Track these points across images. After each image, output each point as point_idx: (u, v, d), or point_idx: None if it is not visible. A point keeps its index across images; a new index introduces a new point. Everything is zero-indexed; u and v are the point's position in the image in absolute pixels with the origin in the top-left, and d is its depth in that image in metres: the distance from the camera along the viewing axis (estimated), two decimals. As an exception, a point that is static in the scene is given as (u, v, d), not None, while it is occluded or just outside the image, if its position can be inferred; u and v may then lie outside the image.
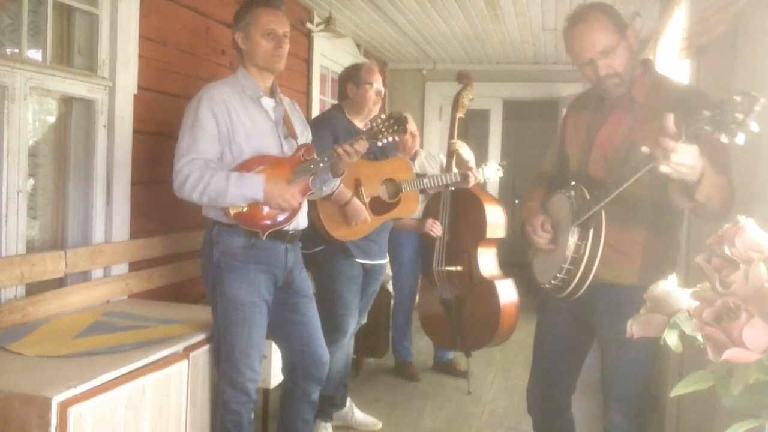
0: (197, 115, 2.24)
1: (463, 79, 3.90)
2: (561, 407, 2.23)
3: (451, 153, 3.83)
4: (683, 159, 1.54)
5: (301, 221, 2.45)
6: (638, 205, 1.92)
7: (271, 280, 2.34)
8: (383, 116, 2.46)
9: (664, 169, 1.55)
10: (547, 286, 2.02)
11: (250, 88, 2.35)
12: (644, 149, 1.61)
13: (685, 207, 1.80)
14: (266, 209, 2.26)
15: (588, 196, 1.88)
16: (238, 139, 2.27)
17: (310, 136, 2.59)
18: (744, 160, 1.89)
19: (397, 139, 2.51)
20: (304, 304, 2.47)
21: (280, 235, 2.33)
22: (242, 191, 2.19)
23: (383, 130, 2.42)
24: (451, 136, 3.89)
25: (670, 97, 1.89)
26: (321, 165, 2.35)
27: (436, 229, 3.81)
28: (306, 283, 2.52)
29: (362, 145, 2.39)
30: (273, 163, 2.29)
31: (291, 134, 2.41)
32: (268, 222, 2.27)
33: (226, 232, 2.28)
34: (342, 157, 2.37)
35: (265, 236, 2.26)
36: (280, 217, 2.29)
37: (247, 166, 2.26)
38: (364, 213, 2.98)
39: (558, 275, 1.94)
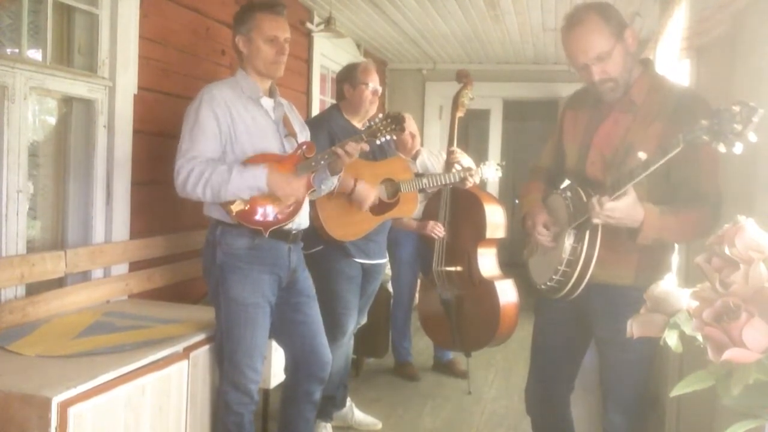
0: (198, 116, 2.24)
1: (462, 78, 3.89)
2: (559, 407, 2.23)
3: (451, 164, 3.77)
4: (605, 215, 1.72)
5: (303, 220, 2.45)
6: None
7: (275, 281, 2.34)
8: (381, 115, 2.47)
9: (595, 220, 1.75)
10: (543, 287, 2.02)
11: (249, 89, 2.36)
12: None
13: (635, 242, 1.83)
14: (268, 207, 2.26)
15: (584, 198, 1.88)
16: (240, 139, 2.28)
17: (308, 136, 2.59)
18: (744, 161, 1.89)
19: (395, 137, 2.52)
20: (306, 304, 2.47)
21: (282, 235, 2.33)
22: (246, 182, 2.18)
23: (381, 128, 2.44)
24: (450, 138, 3.87)
25: (668, 100, 1.88)
26: (322, 162, 2.36)
27: (438, 230, 3.81)
28: (308, 282, 2.52)
29: (363, 146, 2.41)
30: (275, 161, 2.30)
31: (291, 133, 2.43)
32: (270, 219, 2.27)
33: (230, 232, 2.28)
34: (341, 157, 2.38)
35: (267, 234, 2.26)
36: (282, 215, 2.29)
37: (249, 163, 2.26)
38: (373, 193, 2.95)
39: (554, 277, 1.94)
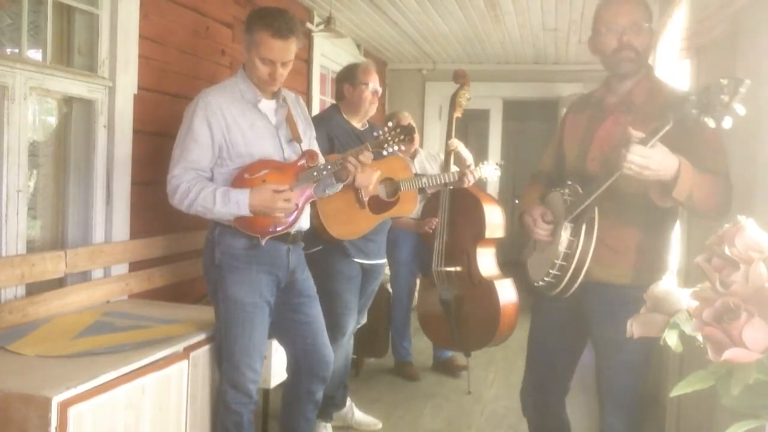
0: (191, 124, 2.23)
1: (460, 78, 3.89)
2: (555, 408, 2.23)
3: (449, 153, 3.83)
4: (640, 160, 1.62)
5: (304, 223, 2.44)
6: (633, 203, 1.92)
7: (273, 281, 2.34)
8: (390, 124, 2.44)
9: (626, 170, 1.64)
10: (540, 283, 2.01)
11: (248, 92, 2.33)
12: (635, 135, 1.64)
13: (665, 205, 1.82)
14: (267, 217, 2.25)
15: (580, 191, 1.89)
16: (237, 146, 2.27)
17: (314, 134, 2.58)
18: (744, 160, 1.89)
19: (403, 148, 2.49)
20: (307, 304, 2.47)
21: (281, 236, 2.32)
22: (228, 209, 2.18)
23: (389, 139, 2.41)
24: (449, 137, 3.89)
25: (667, 103, 1.89)
26: (324, 173, 2.34)
27: (431, 223, 3.82)
28: (309, 283, 2.52)
29: (367, 157, 2.40)
30: (276, 168, 2.28)
31: (294, 137, 2.39)
32: (269, 228, 2.27)
33: (228, 233, 2.27)
34: (347, 168, 2.37)
35: (264, 242, 2.26)
36: (280, 227, 2.28)
37: (250, 170, 2.25)
38: (374, 174, 2.91)
39: (551, 271, 1.94)
